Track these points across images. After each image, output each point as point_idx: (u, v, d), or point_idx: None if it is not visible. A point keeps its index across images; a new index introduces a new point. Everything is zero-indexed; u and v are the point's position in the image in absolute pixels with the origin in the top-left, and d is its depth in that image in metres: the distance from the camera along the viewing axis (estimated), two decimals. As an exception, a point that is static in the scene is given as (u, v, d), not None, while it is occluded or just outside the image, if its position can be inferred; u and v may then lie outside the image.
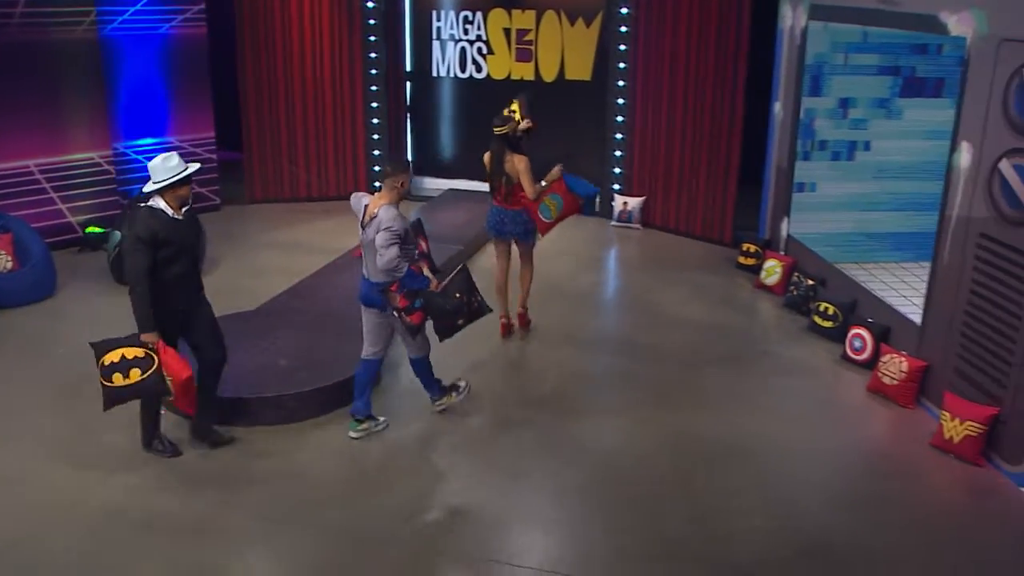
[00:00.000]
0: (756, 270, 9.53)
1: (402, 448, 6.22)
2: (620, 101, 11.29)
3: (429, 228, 6.76)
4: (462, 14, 12.15)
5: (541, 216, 7.64)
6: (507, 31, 12.07)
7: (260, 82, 11.78)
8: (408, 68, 12.48)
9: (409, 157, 12.76)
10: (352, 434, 6.28)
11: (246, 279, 9.27)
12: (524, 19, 11.97)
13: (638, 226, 11.34)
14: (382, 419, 6.44)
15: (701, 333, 8.23)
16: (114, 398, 5.59)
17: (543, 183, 7.62)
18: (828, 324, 8.02)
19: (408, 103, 12.63)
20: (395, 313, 6.02)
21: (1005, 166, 5.91)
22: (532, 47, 12.04)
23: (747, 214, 10.46)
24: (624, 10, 10.99)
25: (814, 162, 9.37)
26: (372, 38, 11.89)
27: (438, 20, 12.28)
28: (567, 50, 11.92)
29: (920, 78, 9.24)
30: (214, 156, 11.71)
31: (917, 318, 7.05)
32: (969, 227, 6.30)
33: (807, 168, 9.33)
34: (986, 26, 6.10)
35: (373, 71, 12.01)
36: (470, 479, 5.87)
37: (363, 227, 6.00)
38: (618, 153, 11.44)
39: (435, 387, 6.58)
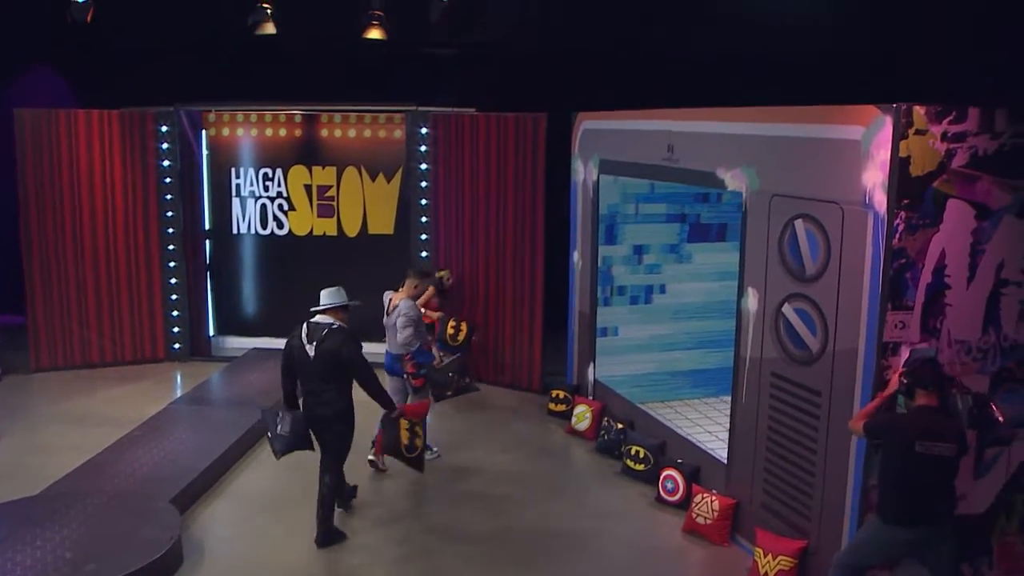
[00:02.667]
0: (567, 416, 9.66)
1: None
2: (424, 254, 11.44)
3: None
4: (262, 171, 12.07)
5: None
6: (308, 187, 12.06)
7: (46, 240, 11.15)
8: (207, 226, 12.21)
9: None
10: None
11: (29, 458, 8.50)
12: (325, 176, 12.03)
13: (449, 376, 11.32)
14: (435, 449, 8.63)
15: (515, 482, 8.18)
16: (424, 448, 7.66)
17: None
18: (640, 467, 8.16)
19: (208, 261, 12.29)
20: (404, 375, 8.27)
21: (788, 309, 6.32)
22: (334, 203, 12.07)
23: (556, 360, 10.68)
24: (423, 166, 11.26)
25: (615, 307, 9.74)
26: (168, 196, 11.59)
27: (237, 177, 12.14)
28: (369, 205, 12.03)
29: (705, 224, 9.90)
30: (-8, 323, 10.93)
31: (723, 456, 7.31)
32: (762, 367, 6.65)
33: (608, 313, 9.69)
34: (757, 182, 6.62)
35: (170, 230, 11.66)
36: None
37: (387, 314, 8.33)
38: (425, 305, 11.49)
39: None
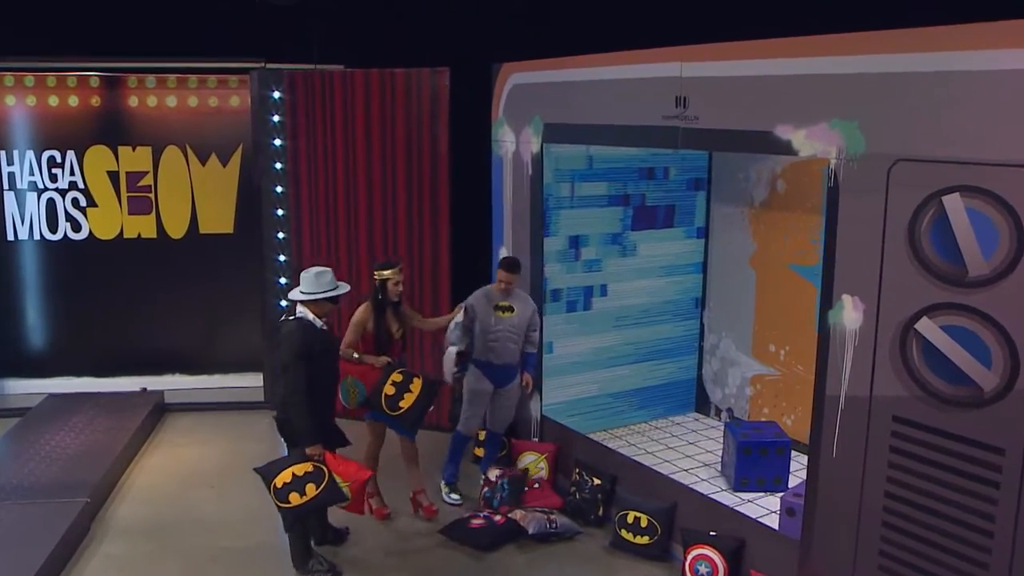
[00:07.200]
0: (505, 463, 7.34)
1: None
2: (281, 257, 8.75)
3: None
4: (46, 155, 9.04)
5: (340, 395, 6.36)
6: (114, 175, 9.16)
7: None
8: (-29, 231, 9.00)
9: None
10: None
11: None
12: (137, 159, 9.19)
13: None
14: None
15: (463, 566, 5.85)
16: (295, 517, 5.61)
17: (358, 355, 6.43)
18: (643, 540, 6.00)
19: (-26, 279, 9.09)
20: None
21: (928, 327, 4.31)
22: (151, 194, 9.21)
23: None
24: (277, 142, 8.56)
25: (548, 315, 7.54)
26: (-91, 193, 8.32)
27: (10, 164, 9.03)
28: (199, 196, 9.29)
29: (651, 207, 7.88)
30: None
31: (766, 519, 5.30)
32: (873, 409, 4.62)
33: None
34: (862, 143, 4.56)
35: (-86, 239, 8.39)
36: None
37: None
38: (285, 324, 8.83)
39: (451, 471, 7.04)
